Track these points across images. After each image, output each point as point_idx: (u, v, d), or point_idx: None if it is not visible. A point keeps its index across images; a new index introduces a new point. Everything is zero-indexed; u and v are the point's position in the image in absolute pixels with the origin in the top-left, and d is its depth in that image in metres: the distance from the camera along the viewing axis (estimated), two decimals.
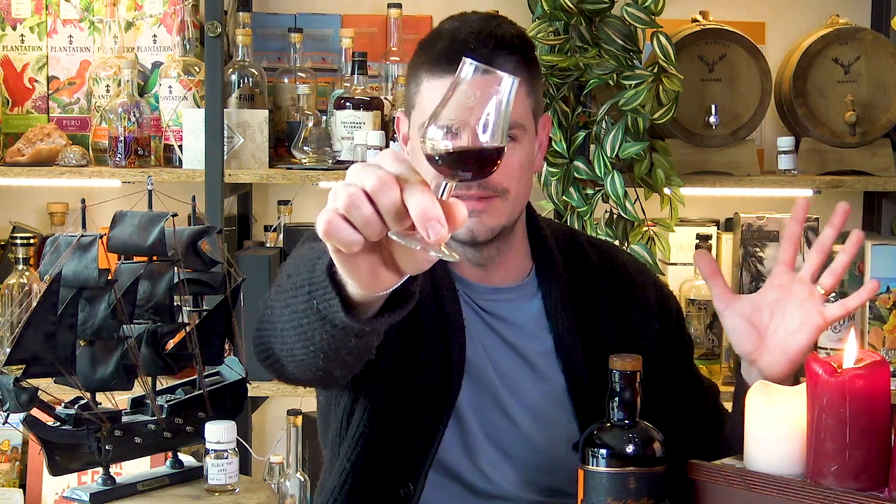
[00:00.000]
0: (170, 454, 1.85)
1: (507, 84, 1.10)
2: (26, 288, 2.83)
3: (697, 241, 2.85)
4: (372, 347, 1.41)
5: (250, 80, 2.89)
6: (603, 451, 1.50)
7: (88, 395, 1.76)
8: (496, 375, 1.79)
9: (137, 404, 1.85)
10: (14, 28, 3.01)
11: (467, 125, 1.10)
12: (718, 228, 3.05)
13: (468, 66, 1.11)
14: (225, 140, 2.81)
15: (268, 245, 3.02)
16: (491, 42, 1.71)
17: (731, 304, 1.72)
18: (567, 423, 1.79)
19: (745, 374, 1.75)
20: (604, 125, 2.75)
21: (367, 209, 1.08)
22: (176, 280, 1.82)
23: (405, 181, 1.08)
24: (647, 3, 2.70)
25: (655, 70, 2.72)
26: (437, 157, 1.13)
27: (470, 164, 1.12)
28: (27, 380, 1.69)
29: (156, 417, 1.81)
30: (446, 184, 1.13)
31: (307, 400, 2.90)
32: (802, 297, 1.70)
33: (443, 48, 1.73)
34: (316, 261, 1.29)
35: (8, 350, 1.70)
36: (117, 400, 1.83)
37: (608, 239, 2.68)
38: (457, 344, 1.75)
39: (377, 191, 1.08)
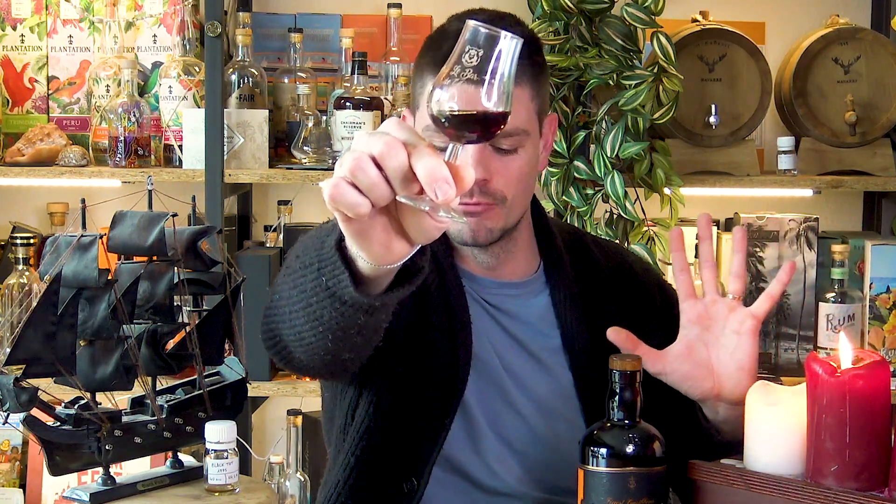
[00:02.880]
0: (170, 454, 1.85)
1: (510, 44, 1.11)
2: (26, 288, 2.83)
3: (697, 240, 2.85)
4: (380, 328, 1.40)
5: (250, 80, 2.89)
6: (603, 451, 1.50)
7: (88, 395, 1.76)
8: (503, 369, 1.79)
9: (137, 404, 1.85)
10: (14, 28, 3.01)
11: (472, 86, 1.11)
12: (718, 228, 3.05)
13: (472, 29, 1.12)
14: (225, 140, 2.81)
15: (268, 245, 3.02)
16: None
17: (665, 362, 1.66)
18: (574, 420, 1.79)
19: (712, 415, 1.69)
20: (604, 125, 2.75)
21: (373, 172, 1.08)
22: (176, 280, 1.82)
23: (412, 146, 1.09)
24: (647, 3, 2.70)
25: (655, 70, 2.72)
26: (442, 119, 1.14)
27: (475, 125, 1.13)
28: (27, 380, 1.69)
29: (156, 417, 1.81)
30: (453, 146, 1.15)
31: (307, 400, 2.90)
32: (724, 314, 1.66)
33: (448, 49, 1.73)
34: (325, 238, 1.28)
35: (8, 350, 1.70)
36: (117, 400, 1.83)
37: (611, 239, 2.68)
38: (463, 339, 1.75)
39: (384, 155, 1.08)
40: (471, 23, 1.12)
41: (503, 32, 1.11)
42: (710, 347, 1.67)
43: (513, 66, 1.12)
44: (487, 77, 1.11)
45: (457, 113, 1.12)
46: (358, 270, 1.23)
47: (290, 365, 1.61)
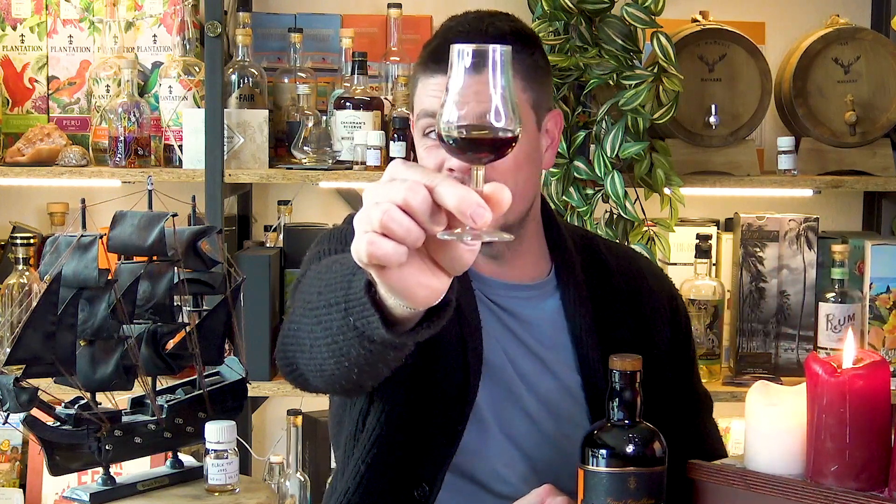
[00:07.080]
0: (170, 454, 1.85)
1: (496, 54, 1.11)
2: (26, 288, 2.83)
3: (698, 241, 2.86)
4: (404, 356, 1.40)
5: (250, 80, 2.89)
6: (603, 451, 1.50)
7: (88, 395, 1.76)
8: (514, 373, 1.78)
9: (137, 404, 1.85)
10: (14, 28, 3.01)
11: (473, 107, 1.11)
12: (718, 228, 3.05)
13: (455, 52, 1.12)
14: (225, 140, 2.81)
15: (268, 245, 3.02)
16: (480, 39, 1.71)
17: None
18: (581, 422, 1.78)
19: None
20: (604, 125, 2.75)
21: (405, 219, 1.08)
22: (176, 280, 1.82)
23: (430, 181, 1.08)
24: (647, 3, 2.70)
25: (655, 70, 2.72)
26: (451, 142, 1.13)
27: (485, 145, 1.13)
28: (27, 380, 1.68)
29: (156, 417, 1.81)
30: (475, 171, 1.14)
31: (307, 400, 2.89)
32: None
33: (434, 47, 1.75)
34: (350, 277, 1.27)
35: (8, 350, 1.70)
36: (117, 400, 1.83)
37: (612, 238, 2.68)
38: (473, 344, 1.74)
39: (409, 199, 1.07)
40: (454, 47, 1.12)
41: (486, 45, 1.11)
42: None
43: (505, 74, 1.11)
44: (483, 94, 1.11)
45: (465, 136, 1.12)
46: (389, 312, 1.21)
47: (305, 389, 1.60)
